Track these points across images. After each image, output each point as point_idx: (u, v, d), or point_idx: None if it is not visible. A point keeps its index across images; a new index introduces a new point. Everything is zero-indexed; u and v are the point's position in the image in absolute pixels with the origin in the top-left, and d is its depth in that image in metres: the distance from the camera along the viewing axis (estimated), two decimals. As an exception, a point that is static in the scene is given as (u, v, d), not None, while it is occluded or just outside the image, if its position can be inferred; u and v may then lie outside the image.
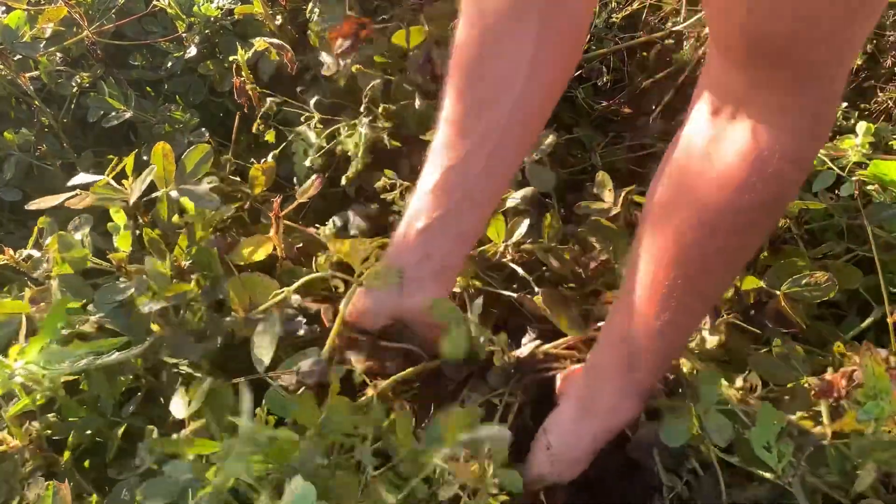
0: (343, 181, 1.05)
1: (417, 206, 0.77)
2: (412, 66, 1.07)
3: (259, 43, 1.14)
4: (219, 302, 0.83)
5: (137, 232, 0.89)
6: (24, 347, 0.64)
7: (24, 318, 0.80)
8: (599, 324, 0.84)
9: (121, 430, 0.74)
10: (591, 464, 0.78)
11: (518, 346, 0.86)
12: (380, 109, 1.06)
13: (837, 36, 0.52)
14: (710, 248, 0.64)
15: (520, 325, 0.91)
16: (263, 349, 0.71)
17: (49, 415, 0.76)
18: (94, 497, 0.71)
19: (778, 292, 0.84)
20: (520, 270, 0.92)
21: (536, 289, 0.89)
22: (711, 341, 0.81)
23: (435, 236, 0.76)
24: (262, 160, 1.03)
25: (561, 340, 0.85)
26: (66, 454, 0.75)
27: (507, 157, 0.78)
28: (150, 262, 0.80)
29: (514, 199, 1.00)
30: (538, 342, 0.85)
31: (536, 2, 0.70)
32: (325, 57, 1.16)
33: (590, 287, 0.91)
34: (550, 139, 1.06)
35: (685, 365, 0.79)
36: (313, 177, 0.87)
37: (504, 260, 0.93)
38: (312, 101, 1.12)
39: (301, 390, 0.69)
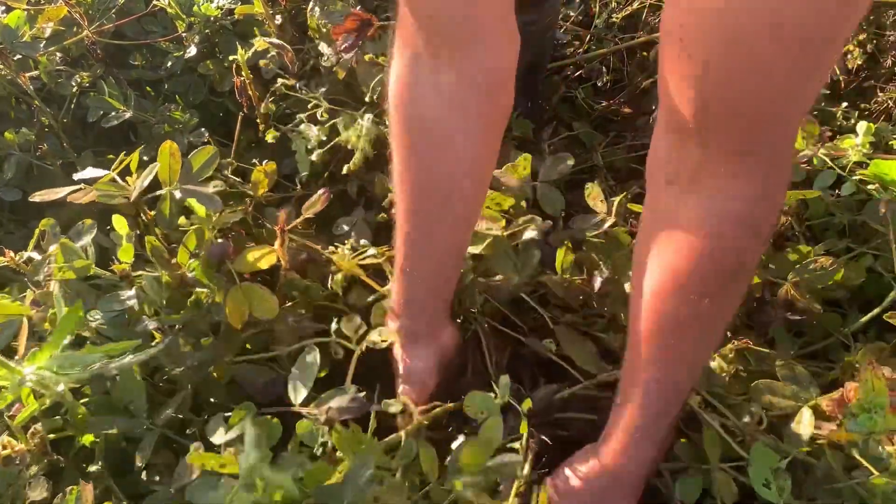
0: (345, 170, 1.04)
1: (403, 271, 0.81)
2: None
3: (259, 42, 1.14)
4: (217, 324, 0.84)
5: (139, 232, 0.89)
6: (35, 353, 0.64)
7: (24, 321, 0.80)
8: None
9: (154, 438, 0.75)
10: None
11: (531, 382, 0.87)
12: (384, 105, 1.06)
13: (787, 100, 0.53)
14: (683, 313, 0.65)
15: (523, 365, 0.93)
16: (300, 385, 0.72)
17: (51, 419, 0.76)
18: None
19: (784, 282, 0.84)
20: (537, 307, 0.93)
21: (551, 324, 0.90)
22: (724, 369, 0.82)
23: (420, 289, 0.82)
24: (264, 161, 1.03)
25: (577, 387, 0.86)
26: (96, 464, 0.75)
27: (473, 221, 0.83)
28: (149, 279, 0.80)
29: (532, 232, 0.98)
30: (554, 387, 0.86)
31: (478, 86, 0.70)
32: (324, 48, 1.16)
33: (597, 311, 0.92)
34: (569, 163, 1.06)
35: (695, 399, 0.80)
36: (320, 191, 0.87)
37: (520, 293, 0.93)
38: (321, 93, 1.11)
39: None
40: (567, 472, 0.77)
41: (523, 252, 0.94)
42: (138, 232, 0.93)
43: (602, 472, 0.75)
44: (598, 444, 0.77)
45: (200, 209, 0.89)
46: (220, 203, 0.85)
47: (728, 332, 0.85)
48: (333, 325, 0.81)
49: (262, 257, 0.86)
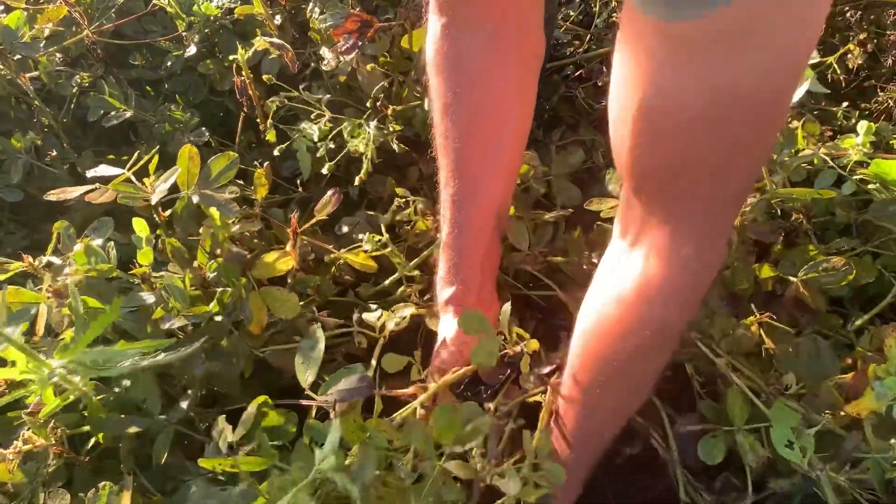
0: (356, 182, 1.05)
1: (456, 250, 0.83)
2: (419, 69, 1.07)
3: (259, 42, 1.13)
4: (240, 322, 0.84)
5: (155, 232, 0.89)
6: (65, 347, 0.63)
7: (43, 307, 0.79)
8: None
9: (171, 436, 0.74)
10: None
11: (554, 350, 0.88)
12: (388, 111, 1.06)
13: (712, 179, 0.55)
14: (608, 361, 0.68)
15: (548, 331, 0.93)
16: (307, 369, 0.71)
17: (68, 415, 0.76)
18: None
19: (794, 279, 0.84)
20: (550, 283, 0.94)
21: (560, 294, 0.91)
22: (747, 340, 0.82)
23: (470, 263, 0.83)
24: (265, 163, 1.03)
25: None
26: (118, 462, 0.74)
27: (515, 174, 0.86)
28: (169, 277, 0.80)
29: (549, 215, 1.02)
30: None
31: (510, 35, 0.75)
32: (325, 52, 1.16)
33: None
34: (579, 156, 1.10)
35: (722, 363, 0.80)
36: (330, 192, 0.88)
37: (527, 268, 0.94)
38: (324, 99, 1.12)
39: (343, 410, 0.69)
40: None
41: (539, 229, 1.00)
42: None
43: None
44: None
45: (216, 214, 0.88)
46: (235, 211, 0.85)
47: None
48: (355, 316, 0.82)
49: (280, 261, 0.87)
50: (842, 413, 0.72)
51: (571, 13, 1.53)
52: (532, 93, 0.81)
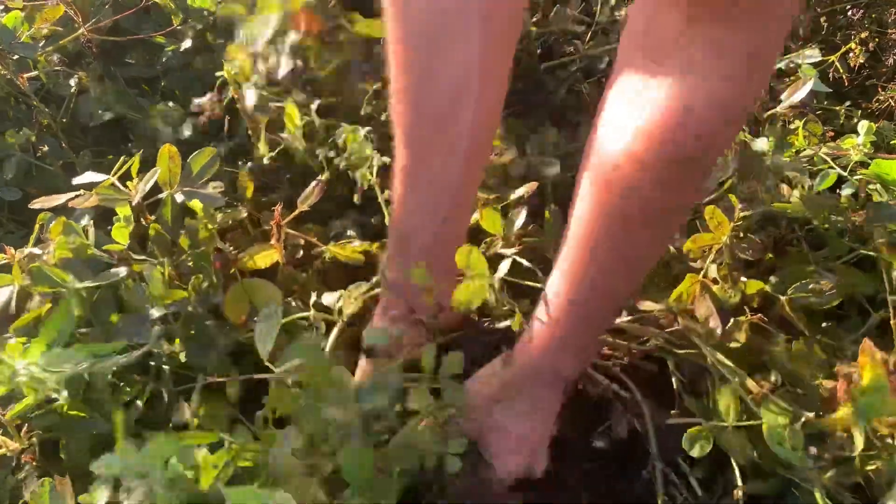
0: (356, 199, 1.03)
1: (407, 227, 0.76)
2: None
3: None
4: (216, 307, 0.84)
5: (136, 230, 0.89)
6: (27, 347, 0.63)
7: (14, 289, 0.79)
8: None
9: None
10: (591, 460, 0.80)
11: None
12: (382, 117, 1.05)
13: None
14: (632, 204, 0.60)
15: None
16: (265, 340, 0.68)
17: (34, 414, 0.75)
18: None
19: (782, 297, 0.83)
20: (524, 262, 0.90)
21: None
22: (737, 338, 0.81)
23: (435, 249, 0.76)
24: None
25: None
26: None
27: (479, 160, 0.76)
28: (150, 267, 0.80)
29: (517, 193, 0.99)
30: None
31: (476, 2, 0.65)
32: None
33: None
34: (553, 133, 1.07)
35: (709, 358, 0.79)
36: (313, 183, 0.87)
37: (506, 252, 0.92)
38: (313, 108, 1.11)
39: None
40: (482, 371, 0.77)
41: (511, 212, 0.94)
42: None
43: (515, 367, 0.73)
44: (517, 343, 0.74)
45: (199, 206, 0.88)
46: (222, 200, 0.85)
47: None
48: (313, 299, 0.80)
49: (264, 255, 0.87)
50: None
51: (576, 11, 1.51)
52: (504, 56, 0.70)
